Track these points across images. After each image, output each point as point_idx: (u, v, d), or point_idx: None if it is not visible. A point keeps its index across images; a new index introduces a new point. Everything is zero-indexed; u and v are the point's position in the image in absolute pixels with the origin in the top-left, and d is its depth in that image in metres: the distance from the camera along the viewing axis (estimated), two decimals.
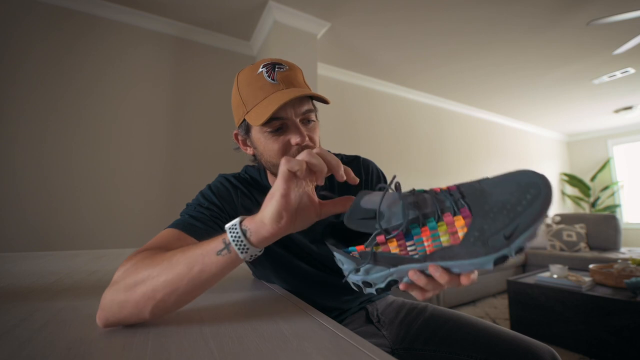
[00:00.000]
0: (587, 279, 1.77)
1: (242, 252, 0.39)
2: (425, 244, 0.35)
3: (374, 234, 0.36)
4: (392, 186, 0.38)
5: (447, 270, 0.35)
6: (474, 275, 0.35)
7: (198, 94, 2.34)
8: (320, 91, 2.52)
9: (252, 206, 0.63)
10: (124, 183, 2.01)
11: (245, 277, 0.75)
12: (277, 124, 0.55)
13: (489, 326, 0.62)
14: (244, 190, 0.65)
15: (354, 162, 0.73)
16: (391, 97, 3.49)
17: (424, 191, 0.36)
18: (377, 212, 0.35)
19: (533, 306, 1.83)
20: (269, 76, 0.55)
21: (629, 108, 4.21)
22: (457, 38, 2.51)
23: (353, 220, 0.38)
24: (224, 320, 0.43)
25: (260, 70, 0.56)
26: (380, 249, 0.36)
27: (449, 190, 0.36)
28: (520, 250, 0.32)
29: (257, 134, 0.58)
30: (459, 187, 0.36)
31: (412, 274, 0.36)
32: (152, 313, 0.39)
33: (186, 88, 2.30)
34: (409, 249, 0.35)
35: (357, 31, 2.39)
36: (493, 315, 2.26)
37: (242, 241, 0.39)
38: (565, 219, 3.38)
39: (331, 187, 0.70)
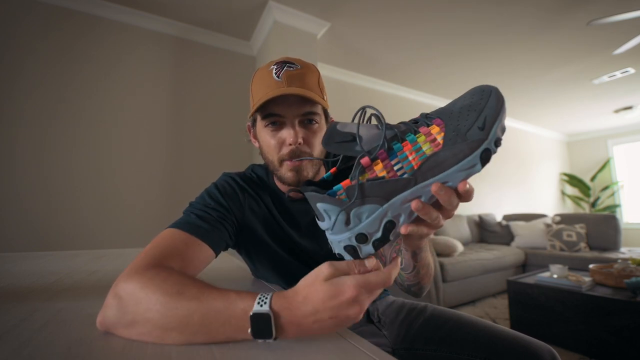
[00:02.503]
0: (587, 279, 1.77)
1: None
2: (410, 157, 0.33)
3: (357, 158, 0.33)
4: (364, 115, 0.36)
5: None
6: (469, 185, 0.34)
7: (198, 94, 2.34)
8: None
9: (259, 209, 0.63)
10: (124, 183, 2.01)
11: (245, 277, 0.75)
12: (275, 120, 0.57)
13: (489, 326, 0.62)
14: (251, 191, 0.64)
15: None
16: (391, 97, 3.49)
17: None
18: (357, 135, 0.33)
19: (533, 306, 1.83)
20: (275, 74, 0.57)
21: (629, 108, 4.21)
22: (457, 38, 2.51)
23: (331, 144, 0.34)
24: None
25: (272, 67, 0.58)
26: (367, 176, 0.33)
27: (414, 118, 0.36)
28: (497, 142, 0.33)
29: (259, 128, 0.61)
30: (422, 113, 0.37)
31: (416, 204, 0.33)
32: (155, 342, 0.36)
33: (186, 88, 2.30)
34: (395, 168, 0.33)
35: (357, 31, 2.39)
36: (493, 315, 2.26)
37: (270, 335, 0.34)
38: (565, 219, 3.38)
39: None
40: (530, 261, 3.17)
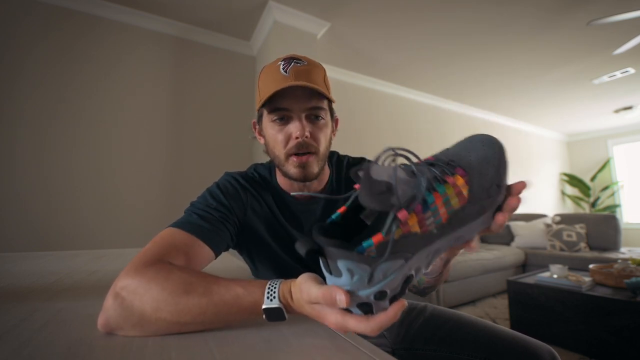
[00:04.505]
0: (587, 279, 1.77)
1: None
2: (440, 211, 0.31)
3: (392, 212, 0.28)
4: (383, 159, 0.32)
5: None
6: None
7: (198, 94, 2.34)
8: None
9: (260, 209, 0.63)
10: (124, 183, 2.01)
11: (245, 277, 0.75)
12: (282, 114, 0.57)
13: (488, 326, 0.62)
14: (253, 191, 0.63)
15: (359, 164, 0.74)
16: (392, 97, 3.49)
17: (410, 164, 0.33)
18: (394, 184, 0.28)
19: (533, 306, 1.82)
20: (283, 69, 0.57)
21: (629, 108, 4.21)
22: (457, 38, 2.51)
23: (370, 196, 0.28)
24: None
25: (279, 63, 0.58)
26: (401, 231, 0.29)
27: (429, 160, 0.35)
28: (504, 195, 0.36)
29: (265, 123, 0.60)
30: (436, 156, 0.37)
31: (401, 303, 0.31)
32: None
33: (186, 88, 2.30)
34: (427, 222, 0.30)
35: (357, 31, 2.39)
36: (493, 315, 2.26)
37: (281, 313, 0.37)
38: (565, 219, 3.38)
39: (338, 187, 0.70)
40: (530, 261, 3.16)
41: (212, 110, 2.37)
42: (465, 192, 0.33)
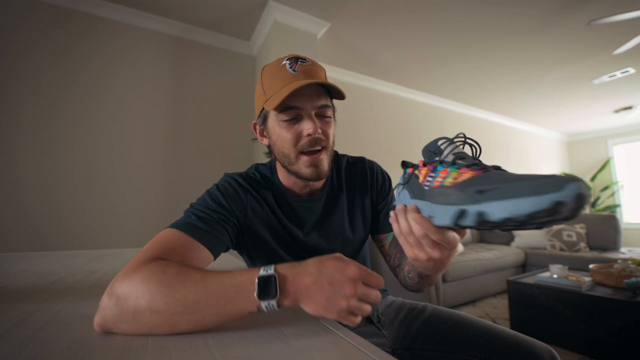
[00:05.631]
0: (587, 279, 1.77)
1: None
2: (437, 179, 0.39)
3: (420, 161, 0.45)
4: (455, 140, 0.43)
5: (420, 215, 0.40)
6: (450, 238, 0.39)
7: (198, 94, 2.34)
8: None
9: (261, 210, 0.63)
10: (124, 183, 2.01)
11: None
12: (293, 113, 0.57)
13: (488, 326, 0.62)
14: (253, 192, 0.63)
15: (359, 162, 0.75)
16: (392, 97, 3.49)
17: (476, 162, 0.39)
18: (437, 148, 0.42)
19: (533, 306, 1.83)
20: (291, 67, 0.57)
21: (629, 108, 4.21)
22: (457, 39, 2.51)
23: (424, 148, 0.44)
24: None
25: (284, 62, 0.58)
26: (416, 172, 0.44)
27: (487, 168, 0.37)
28: (481, 217, 0.30)
29: (272, 122, 0.60)
30: (493, 168, 0.38)
31: (400, 206, 0.42)
32: (166, 333, 0.38)
33: (186, 88, 2.30)
34: (427, 179, 0.41)
35: (357, 31, 2.39)
36: (493, 315, 2.26)
37: (274, 306, 0.37)
38: None
39: (338, 184, 0.70)
40: (530, 261, 3.17)
41: (212, 110, 2.37)
42: (460, 180, 0.36)
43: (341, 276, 0.37)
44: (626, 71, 3.14)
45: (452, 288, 2.38)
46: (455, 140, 0.42)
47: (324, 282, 0.37)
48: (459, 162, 0.39)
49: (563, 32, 2.46)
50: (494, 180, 0.32)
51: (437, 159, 0.41)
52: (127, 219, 2.00)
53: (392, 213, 0.44)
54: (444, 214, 0.35)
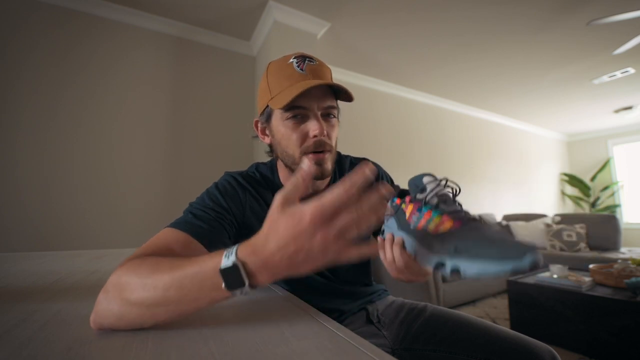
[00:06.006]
0: (587, 279, 1.77)
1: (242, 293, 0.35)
2: (422, 221, 0.45)
3: (406, 196, 0.50)
4: (441, 182, 0.48)
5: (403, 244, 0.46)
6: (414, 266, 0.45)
7: (198, 94, 2.34)
8: None
9: (260, 209, 0.62)
10: (124, 183, 2.01)
11: None
12: (298, 113, 0.56)
13: (488, 326, 0.62)
14: (252, 191, 0.63)
15: (362, 163, 0.74)
16: (392, 97, 3.49)
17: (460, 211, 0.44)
18: (423, 185, 0.47)
19: (533, 306, 1.82)
20: (298, 66, 0.57)
21: (629, 108, 4.21)
22: (457, 39, 2.51)
23: (410, 182, 0.49)
24: (224, 321, 0.43)
25: (291, 60, 0.57)
26: (404, 207, 0.48)
27: (449, 198, 0.46)
28: (455, 270, 0.37)
29: (277, 121, 0.59)
30: (462, 209, 0.45)
31: (388, 236, 0.48)
32: (152, 325, 0.38)
33: (186, 88, 2.30)
34: (413, 217, 0.46)
35: (357, 31, 2.39)
36: (493, 315, 2.26)
37: (243, 287, 0.34)
38: (565, 219, 3.38)
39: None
40: None
41: (212, 110, 2.37)
42: (441, 229, 0.42)
43: (300, 231, 0.31)
44: (626, 71, 3.14)
45: (452, 288, 2.38)
46: (439, 180, 0.48)
47: (290, 252, 0.32)
48: (442, 206, 0.44)
49: (563, 32, 2.46)
50: (469, 241, 0.39)
51: (420, 196, 0.46)
52: (127, 219, 2.00)
53: (379, 239, 0.49)
54: (426, 259, 0.42)
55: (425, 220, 0.44)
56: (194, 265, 0.36)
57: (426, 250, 0.42)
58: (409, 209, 0.47)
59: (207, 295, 0.35)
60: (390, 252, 0.46)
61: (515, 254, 0.33)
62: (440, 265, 0.40)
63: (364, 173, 0.32)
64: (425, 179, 0.47)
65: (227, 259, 0.34)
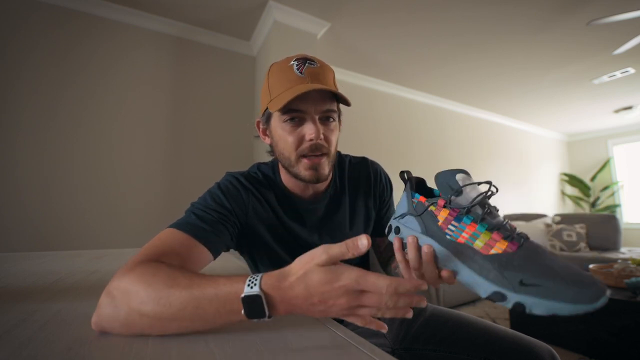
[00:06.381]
0: None
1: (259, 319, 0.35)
2: (463, 234, 0.38)
3: (439, 196, 0.42)
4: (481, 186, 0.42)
5: (449, 270, 0.39)
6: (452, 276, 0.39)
7: (198, 94, 2.34)
8: None
9: (262, 210, 0.62)
10: (124, 183, 2.01)
11: None
12: (296, 116, 0.56)
13: (488, 326, 0.62)
14: (255, 192, 0.62)
15: (361, 163, 0.75)
16: (392, 97, 3.49)
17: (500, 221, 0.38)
18: (459, 187, 0.40)
19: None
20: (298, 69, 0.57)
21: (629, 108, 4.20)
22: (457, 39, 2.51)
23: (440, 178, 0.42)
24: None
25: (292, 63, 0.57)
26: (434, 210, 0.41)
27: (519, 239, 0.37)
28: (520, 306, 0.33)
29: (275, 123, 0.59)
30: (512, 227, 0.38)
31: (411, 239, 0.41)
32: (160, 334, 0.37)
33: (186, 88, 2.30)
34: (450, 227, 0.39)
35: (357, 31, 2.39)
36: (493, 315, 2.26)
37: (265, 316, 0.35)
38: (565, 219, 3.38)
39: (341, 186, 0.70)
40: None
41: (212, 110, 2.37)
42: (493, 251, 0.36)
43: (332, 290, 0.33)
44: (626, 71, 3.13)
45: (452, 288, 2.38)
46: (477, 182, 0.40)
47: (313, 299, 0.34)
48: (489, 220, 0.37)
49: (563, 32, 2.46)
50: (536, 273, 0.33)
51: (459, 202, 0.39)
52: (127, 219, 2.00)
53: (396, 240, 0.44)
54: (479, 286, 0.36)
55: (468, 234, 0.38)
56: (214, 287, 0.36)
57: (476, 275, 0.36)
58: (442, 214, 0.40)
59: (223, 318, 0.36)
60: (415, 259, 0.41)
61: (590, 298, 0.30)
62: (498, 296, 0.34)
63: (416, 284, 0.33)
64: (460, 178, 0.40)
65: (249, 287, 0.34)
